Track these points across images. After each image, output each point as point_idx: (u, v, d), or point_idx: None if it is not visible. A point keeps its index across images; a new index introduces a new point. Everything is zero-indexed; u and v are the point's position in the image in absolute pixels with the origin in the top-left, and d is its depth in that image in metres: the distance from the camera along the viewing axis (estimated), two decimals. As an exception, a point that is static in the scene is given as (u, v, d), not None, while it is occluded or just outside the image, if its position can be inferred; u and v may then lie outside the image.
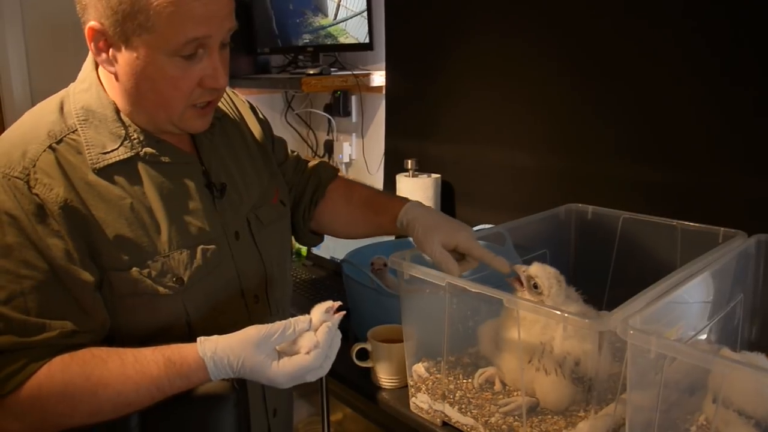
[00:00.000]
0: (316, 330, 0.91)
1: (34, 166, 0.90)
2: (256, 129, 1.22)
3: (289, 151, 1.33)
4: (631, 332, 0.82)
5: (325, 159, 2.52)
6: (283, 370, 0.88)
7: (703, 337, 1.04)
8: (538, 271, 1.10)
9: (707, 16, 1.34)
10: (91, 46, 0.93)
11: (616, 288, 1.36)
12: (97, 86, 0.98)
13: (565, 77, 1.63)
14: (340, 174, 1.36)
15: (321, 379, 1.84)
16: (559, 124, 1.66)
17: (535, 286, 1.09)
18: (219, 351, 0.88)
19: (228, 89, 1.21)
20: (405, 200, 1.20)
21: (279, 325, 0.89)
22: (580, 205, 1.45)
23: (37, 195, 0.89)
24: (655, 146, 1.47)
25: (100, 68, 0.99)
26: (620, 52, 1.50)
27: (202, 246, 1.01)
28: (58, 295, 0.89)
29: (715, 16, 1.33)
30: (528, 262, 1.13)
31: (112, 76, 0.96)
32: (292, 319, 0.91)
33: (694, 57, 1.38)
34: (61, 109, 0.97)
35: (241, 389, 0.94)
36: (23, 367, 0.87)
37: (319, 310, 0.93)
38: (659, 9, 1.41)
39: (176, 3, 0.87)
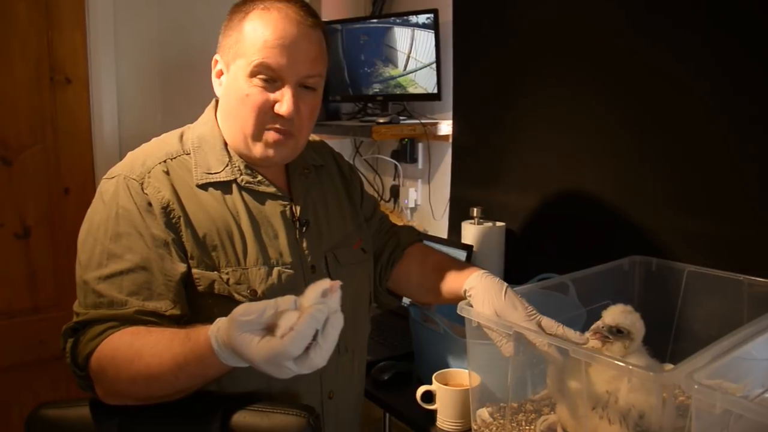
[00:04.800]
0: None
1: (149, 173, 1.09)
2: (350, 185, 1.35)
3: (378, 211, 1.42)
4: (696, 387, 0.82)
5: (391, 204, 2.60)
6: (259, 351, 0.82)
7: (772, 395, 1.04)
8: (615, 316, 1.09)
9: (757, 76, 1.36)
10: (212, 75, 1.16)
11: (679, 341, 1.36)
12: (212, 122, 1.18)
13: (626, 130, 1.65)
14: (424, 243, 1.42)
15: (385, 419, 1.87)
16: (623, 176, 1.68)
17: (619, 331, 1.09)
18: (220, 329, 0.88)
19: (336, 153, 1.38)
20: (474, 269, 1.22)
21: (261, 304, 0.85)
22: (644, 257, 1.46)
23: (147, 194, 1.07)
24: (721, 200, 1.47)
25: (218, 111, 1.18)
26: (684, 109, 1.52)
27: (279, 268, 1.11)
28: (149, 280, 1.03)
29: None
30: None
31: (225, 116, 1.15)
32: (278, 299, 0.85)
33: (756, 113, 1.39)
34: (181, 138, 1.17)
35: (316, 426, 0.99)
36: (102, 332, 0.99)
37: (311, 292, 0.84)
38: (719, 70, 1.44)
39: (257, 32, 1.07)
